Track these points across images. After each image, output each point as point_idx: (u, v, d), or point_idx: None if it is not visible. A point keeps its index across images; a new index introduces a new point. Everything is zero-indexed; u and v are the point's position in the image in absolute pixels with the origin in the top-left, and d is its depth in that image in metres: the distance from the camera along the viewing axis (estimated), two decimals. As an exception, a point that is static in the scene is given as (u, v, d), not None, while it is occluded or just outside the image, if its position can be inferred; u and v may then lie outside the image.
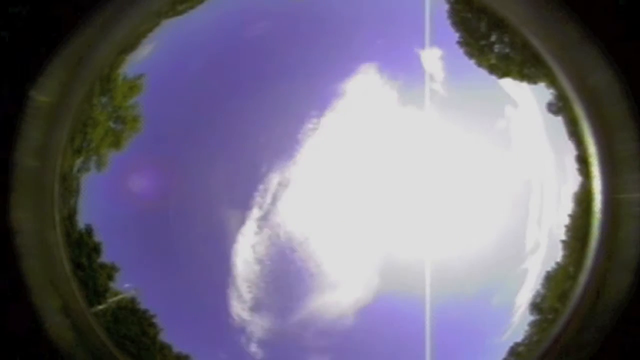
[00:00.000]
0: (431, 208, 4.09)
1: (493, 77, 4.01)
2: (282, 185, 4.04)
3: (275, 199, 4.10)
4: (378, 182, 4.14)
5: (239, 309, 4.12)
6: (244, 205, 4.13)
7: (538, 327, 3.81)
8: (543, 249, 3.93)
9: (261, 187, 4.08)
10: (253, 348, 4.09)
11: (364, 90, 4.12)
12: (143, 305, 3.93)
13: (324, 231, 4.08)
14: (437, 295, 3.87)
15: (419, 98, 3.97)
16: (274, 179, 4.12)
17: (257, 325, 4.08)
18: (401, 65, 4.15)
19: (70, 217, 3.79)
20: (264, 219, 4.09)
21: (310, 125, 4.08)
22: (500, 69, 3.97)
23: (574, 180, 3.77)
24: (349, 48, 4.16)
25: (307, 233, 4.04)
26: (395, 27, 4.18)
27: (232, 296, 4.14)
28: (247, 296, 4.14)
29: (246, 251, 4.11)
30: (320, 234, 4.08)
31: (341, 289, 4.06)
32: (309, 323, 4.01)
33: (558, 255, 3.84)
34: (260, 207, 4.12)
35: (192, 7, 3.99)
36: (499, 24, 3.91)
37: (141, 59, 3.98)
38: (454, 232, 4.02)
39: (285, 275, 4.10)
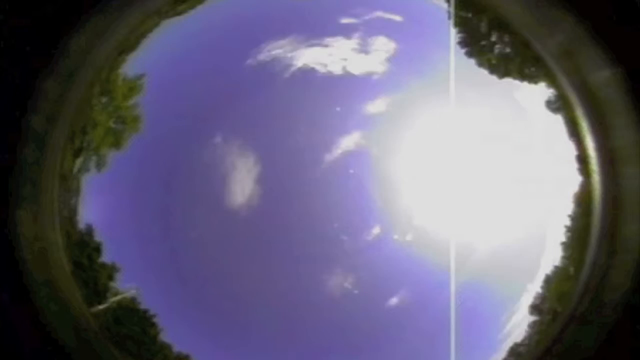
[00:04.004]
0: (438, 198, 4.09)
1: (493, 77, 4.02)
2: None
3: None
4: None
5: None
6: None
7: (538, 327, 3.81)
8: (543, 248, 3.93)
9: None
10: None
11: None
12: (143, 305, 3.93)
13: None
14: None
15: (443, 92, 3.96)
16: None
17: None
18: (424, 59, 4.14)
19: (70, 217, 3.79)
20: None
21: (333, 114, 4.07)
22: (500, 69, 3.98)
23: (574, 180, 3.77)
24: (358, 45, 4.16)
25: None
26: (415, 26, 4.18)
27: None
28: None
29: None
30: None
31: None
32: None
33: (558, 255, 3.84)
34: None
35: (192, 7, 4.00)
36: (499, 24, 3.92)
37: (141, 59, 3.98)
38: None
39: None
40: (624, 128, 3.35)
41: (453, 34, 3.98)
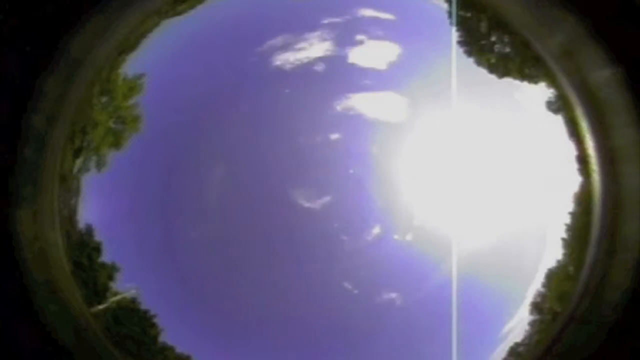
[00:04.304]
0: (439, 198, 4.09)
1: (493, 77, 4.02)
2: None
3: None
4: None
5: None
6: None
7: (538, 327, 3.82)
8: (544, 247, 3.94)
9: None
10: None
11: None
12: (143, 305, 3.93)
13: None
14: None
15: (445, 91, 3.95)
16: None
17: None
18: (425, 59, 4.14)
19: (70, 217, 3.79)
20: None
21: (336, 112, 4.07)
22: (500, 68, 3.98)
23: (574, 180, 3.78)
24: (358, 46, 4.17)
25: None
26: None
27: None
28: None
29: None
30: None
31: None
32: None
33: (558, 254, 3.85)
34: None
35: (192, 7, 4.00)
36: (499, 24, 3.92)
37: (141, 59, 3.98)
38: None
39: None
40: (624, 128, 3.35)
41: (453, 34, 3.98)
